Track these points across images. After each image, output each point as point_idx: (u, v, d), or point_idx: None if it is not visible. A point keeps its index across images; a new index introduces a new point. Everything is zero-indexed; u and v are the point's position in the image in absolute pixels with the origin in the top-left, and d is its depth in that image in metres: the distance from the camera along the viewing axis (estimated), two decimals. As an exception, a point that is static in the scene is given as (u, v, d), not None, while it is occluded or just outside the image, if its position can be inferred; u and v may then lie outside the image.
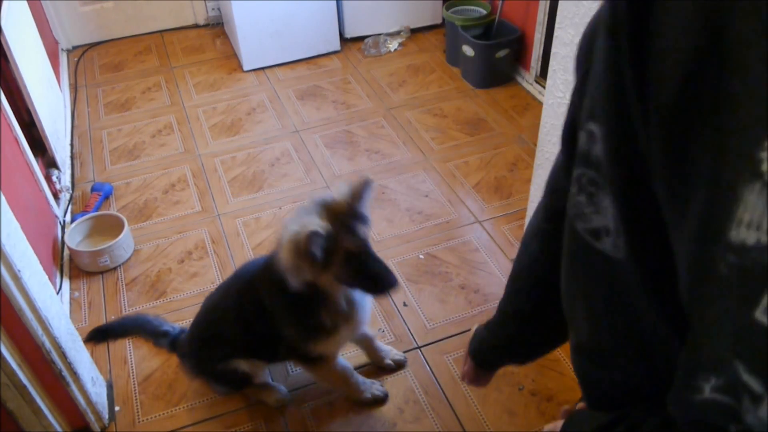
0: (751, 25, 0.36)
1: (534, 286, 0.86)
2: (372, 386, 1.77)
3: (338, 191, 1.34)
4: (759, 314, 0.37)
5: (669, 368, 0.54)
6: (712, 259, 0.39)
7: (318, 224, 1.25)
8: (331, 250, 1.27)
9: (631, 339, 0.59)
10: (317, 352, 1.56)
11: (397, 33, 3.62)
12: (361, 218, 1.33)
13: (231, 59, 3.56)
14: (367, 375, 1.83)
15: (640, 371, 0.61)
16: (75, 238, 2.30)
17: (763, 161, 0.35)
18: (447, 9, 3.29)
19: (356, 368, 1.79)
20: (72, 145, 2.93)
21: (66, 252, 2.30)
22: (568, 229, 0.62)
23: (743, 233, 0.37)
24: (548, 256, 0.80)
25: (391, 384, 1.83)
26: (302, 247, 1.23)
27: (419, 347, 1.94)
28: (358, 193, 1.32)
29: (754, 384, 0.39)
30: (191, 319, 2.04)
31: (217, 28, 3.88)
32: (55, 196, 2.46)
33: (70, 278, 2.23)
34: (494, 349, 1.01)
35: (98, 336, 1.91)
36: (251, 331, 1.58)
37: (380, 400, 1.77)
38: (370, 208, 1.36)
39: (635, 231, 0.51)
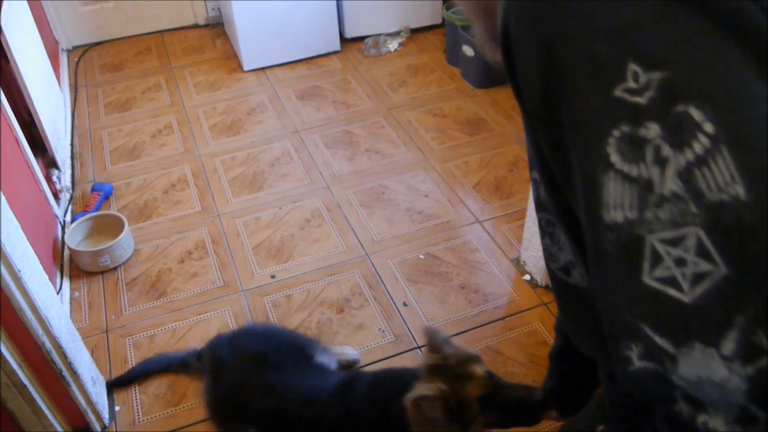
0: (574, 56, 0.46)
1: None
2: None
3: (427, 354, 1.25)
4: (645, 279, 0.44)
5: None
6: (599, 239, 0.47)
7: (431, 389, 1.15)
8: (461, 407, 1.16)
9: None
10: None
11: (397, 33, 3.62)
12: (472, 358, 1.22)
13: (231, 59, 3.56)
14: None
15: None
16: (75, 238, 2.30)
17: (610, 154, 0.44)
18: (447, 9, 3.29)
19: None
20: (72, 145, 2.93)
21: (66, 252, 2.30)
22: (549, 274, 0.69)
23: (612, 214, 0.45)
24: None
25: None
26: (419, 417, 1.14)
27: (419, 347, 1.94)
28: (442, 339, 1.24)
29: (666, 345, 0.44)
30: (191, 319, 2.05)
31: (217, 28, 3.88)
32: (56, 196, 2.46)
33: (71, 278, 2.23)
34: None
35: (122, 383, 1.82)
36: None
37: None
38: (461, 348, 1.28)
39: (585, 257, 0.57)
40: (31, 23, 2.80)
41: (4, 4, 2.33)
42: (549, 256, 0.65)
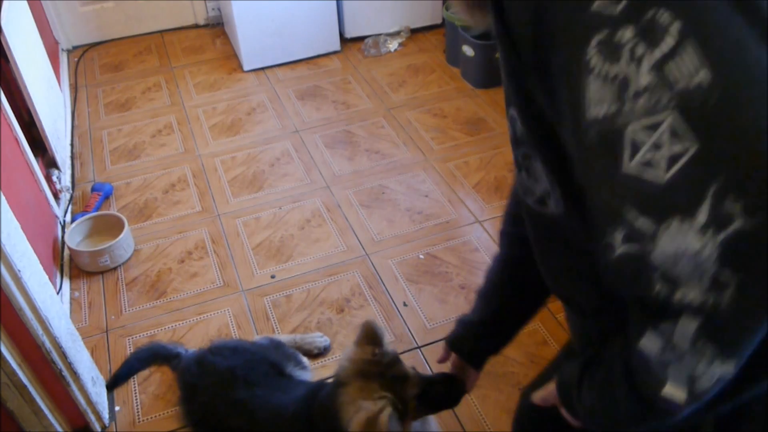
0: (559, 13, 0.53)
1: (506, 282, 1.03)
2: None
3: (351, 350, 1.22)
4: (626, 167, 0.50)
5: None
6: (584, 135, 0.52)
7: (374, 404, 1.12)
8: (403, 407, 1.16)
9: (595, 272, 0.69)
10: None
11: (397, 33, 3.62)
12: (393, 359, 1.20)
13: (231, 59, 3.56)
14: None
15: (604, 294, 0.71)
16: (75, 238, 2.30)
17: (590, 59, 0.50)
18: (447, 9, 3.29)
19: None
20: (72, 145, 2.93)
21: (66, 252, 2.30)
22: (525, 212, 0.75)
23: (593, 111, 0.51)
24: (516, 253, 0.98)
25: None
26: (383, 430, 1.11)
27: (419, 347, 1.94)
28: (378, 338, 1.21)
29: (647, 225, 0.49)
30: (191, 319, 2.05)
31: (217, 28, 3.88)
32: (55, 196, 2.46)
33: (70, 278, 2.23)
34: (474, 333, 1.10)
35: (119, 380, 1.76)
36: None
37: None
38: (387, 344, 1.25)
39: (563, 181, 0.63)
40: (31, 23, 2.80)
41: (4, 4, 2.33)
42: (525, 191, 0.70)
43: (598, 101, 0.51)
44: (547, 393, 0.82)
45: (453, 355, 1.14)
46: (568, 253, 0.71)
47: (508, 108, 0.68)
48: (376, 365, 1.19)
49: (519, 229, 0.86)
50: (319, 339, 1.92)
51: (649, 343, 0.53)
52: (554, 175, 0.63)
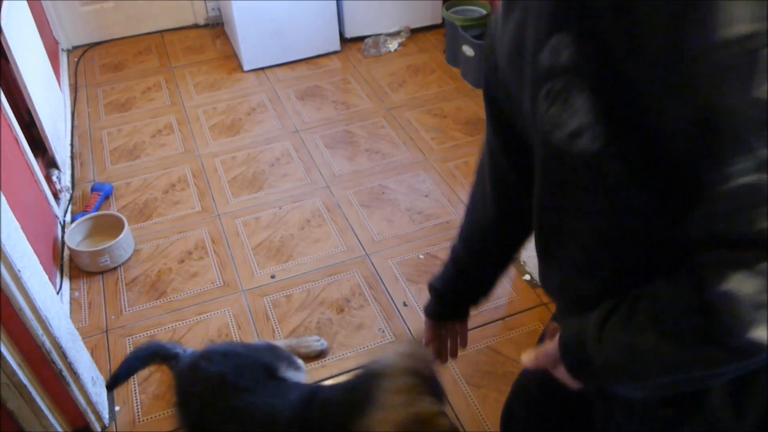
0: None
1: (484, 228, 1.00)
2: None
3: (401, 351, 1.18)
4: (758, 91, 0.47)
5: (650, 256, 0.64)
6: (704, 57, 0.49)
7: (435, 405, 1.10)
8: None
9: (621, 234, 0.65)
10: None
11: (397, 33, 3.62)
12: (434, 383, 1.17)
13: (231, 59, 3.56)
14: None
15: (625, 269, 0.68)
16: (75, 238, 2.30)
17: None
18: (447, 9, 3.29)
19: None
20: (72, 145, 2.93)
21: (66, 252, 2.30)
22: (544, 150, 0.68)
23: (729, 30, 0.47)
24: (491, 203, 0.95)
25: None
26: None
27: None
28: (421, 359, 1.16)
29: None
30: (191, 319, 2.05)
31: (217, 28, 3.88)
32: (55, 196, 2.46)
33: (70, 278, 2.23)
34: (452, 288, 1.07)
35: (118, 380, 1.73)
36: None
37: None
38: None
39: (612, 117, 0.59)
40: (31, 23, 2.80)
41: (4, 4, 2.33)
42: (553, 126, 0.64)
43: (737, 19, 0.47)
44: (541, 353, 0.76)
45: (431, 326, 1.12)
46: (587, 201, 0.67)
47: (546, 38, 0.62)
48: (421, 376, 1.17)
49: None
50: (315, 343, 1.92)
51: (742, 285, 0.51)
52: (603, 111, 0.59)
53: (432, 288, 1.09)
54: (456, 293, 1.07)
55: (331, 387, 1.35)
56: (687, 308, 0.56)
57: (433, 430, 1.04)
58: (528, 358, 0.78)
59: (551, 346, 0.73)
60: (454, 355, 1.17)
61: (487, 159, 0.93)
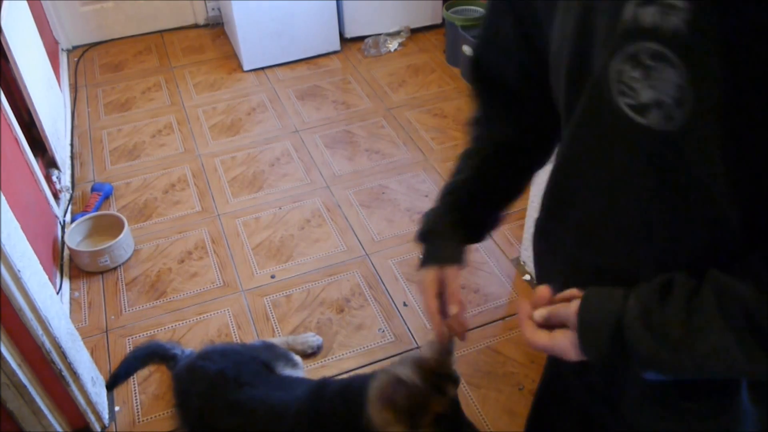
0: None
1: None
2: None
3: (427, 348, 1.19)
4: None
5: (708, 245, 0.59)
6: None
7: (407, 375, 1.13)
8: (420, 408, 1.15)
9: (663, 208, 0.60)
10: None
11: (397, 33, 3.62)
12: (454, 379, 1.20)
13: (231, 59, 3.56)
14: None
15: (643, 255, 0.63)
16: (75, 238, 2.30)
17: None
18: (447, 9, 3.29)
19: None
20: (72, 145, 2.93)
21: (66, 252, 2.30)
22: (601, 107, 0.61)
23: None
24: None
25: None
26: (386, 395, 1.12)
27: (419, 347, 1.94)
28: (446, 349, 1.18)
29: None
30: (191, 319, 2.05)
31: (217, 28, 3.88)
32: (55, 196, 2.46)
33: (70, 278, 2.23)
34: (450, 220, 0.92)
35: (118, 380, 1.73)
36: None
37: None
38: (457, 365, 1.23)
39: (704, 99, 0.53)
40: (31, 23, 2.80)
41: (4, 4, 2.33)
42: (623, 91, 0.57)
43: None
44: (554, 314, 0.67)
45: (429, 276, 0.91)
46: (631, 170, 0.61)
47: None
48: (432, 370, 1.17)
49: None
50: (312, 338, 1.92)
51: None
52: (695, 92, 0.53)
53: (429, 230, 0.92)
54: (456, 228, 0.91)
55: (342, 380, 1.35)
56: None
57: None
58: (540, 314, 0.69)
59: (565, 311, 0.66)
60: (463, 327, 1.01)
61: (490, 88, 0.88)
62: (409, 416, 1.14)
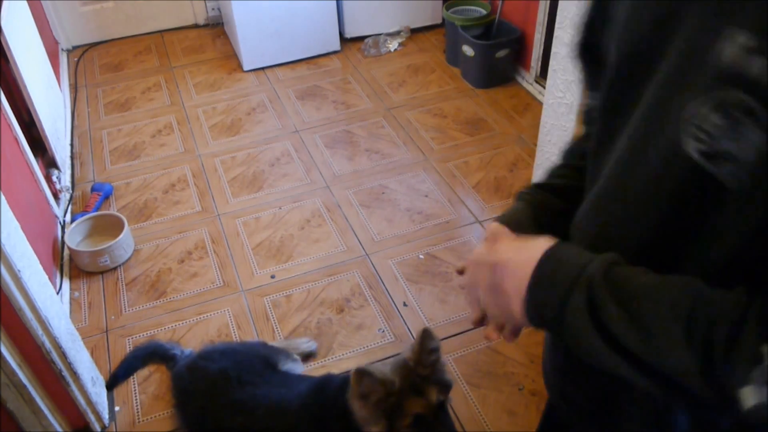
0: None
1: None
2: None
3: (407, 349, 1.22)
4: None
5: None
6: None
7: (380, 371, 1.16)
8: (395, 408, 1.17)
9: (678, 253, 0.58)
10: None
11: (397, 33, 3.62)
12: (439, 382, 1.20)
13: (231, 59, 3.56)
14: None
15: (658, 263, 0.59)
16: (75, 238, 2.30)
17: None
18: (447, 9, 3.29)
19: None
20: (72, 145, 2.93)
21: (66, 252, 2.30)
22: (658, 141, 0.57)
23: None
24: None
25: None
26: (359, 391, 1.15)
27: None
28: (426, 348, 1.19)
29: None
30: (191, 319, 2.05)
31: (217, 28, 3.88)
32: (55, 196, 2.46)
33: (70, 278, 2.23)
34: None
35: (118, 379, 1.72)
36: None
37: None
38: (443, 366, 1.24)
39: None
40: (31, 23, 2.80)
41: (4, 4, 2.33)
42: (699, 137, 0.52)
43: None
44: (481, 261, 0.65)
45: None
46: (686, 211, 0.57)
47: (726, 26, 0.49)
48: (414, 371, 1.18)
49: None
50: (304, 344, 1.91)
51: None
52: None
53: (521, 197, 0.86)
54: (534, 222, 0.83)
55: (345, 376, 1.35)
56: (729, 322, 0.49)
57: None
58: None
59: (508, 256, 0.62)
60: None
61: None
62: (384, 415, 1.15)
